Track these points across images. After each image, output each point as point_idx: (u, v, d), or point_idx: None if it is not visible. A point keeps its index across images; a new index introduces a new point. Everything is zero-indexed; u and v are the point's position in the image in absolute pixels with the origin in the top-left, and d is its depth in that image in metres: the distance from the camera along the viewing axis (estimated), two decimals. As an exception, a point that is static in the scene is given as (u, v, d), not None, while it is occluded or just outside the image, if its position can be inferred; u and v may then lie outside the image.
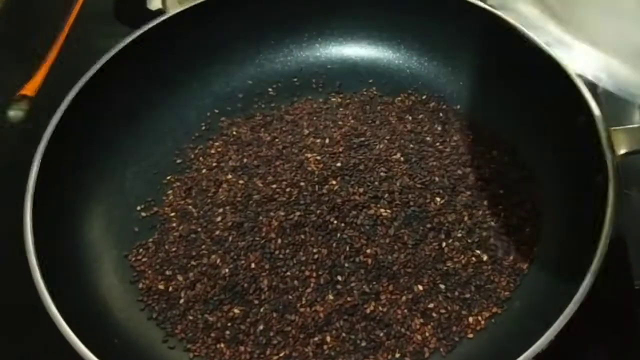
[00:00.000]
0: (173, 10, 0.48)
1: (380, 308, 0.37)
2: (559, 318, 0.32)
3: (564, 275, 0.35)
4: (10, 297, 0.42)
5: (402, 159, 0.41)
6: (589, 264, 0.33)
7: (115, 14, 0.60)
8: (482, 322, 0.36)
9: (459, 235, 0.39)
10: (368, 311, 0.36)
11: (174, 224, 0.42)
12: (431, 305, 0.37)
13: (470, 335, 0.36)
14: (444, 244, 0.38)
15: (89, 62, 0.45)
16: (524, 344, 0.32)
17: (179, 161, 0.46)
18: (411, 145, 0.42)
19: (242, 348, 0.36)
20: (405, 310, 0.37)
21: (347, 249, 0.38)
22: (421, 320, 0.36)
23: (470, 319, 0.36)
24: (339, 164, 0.41)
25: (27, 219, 0.37)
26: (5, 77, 0.58)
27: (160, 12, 0.56)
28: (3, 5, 0.62)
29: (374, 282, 0.37)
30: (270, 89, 0.49)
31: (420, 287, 0.37)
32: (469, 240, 0.39)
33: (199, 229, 0.41)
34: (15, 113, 0.54)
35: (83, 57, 0.56)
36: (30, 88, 0.54)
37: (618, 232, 0.34)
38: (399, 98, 0.47)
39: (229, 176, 0.43)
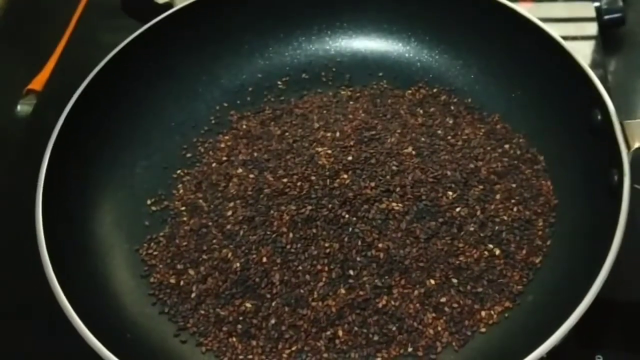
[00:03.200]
0: (180, 3, 0.48)
1: (393, 302, 0.36)
2: (573, 313, 0.31)
3: (577, 270, 0.35)
4: (22, 293, 0.42)
5: (413, 152, 0.41)
6: (603, 258, 0.33)
7: (122, 7, 0.60)
8: (495, 316, 0.36)
9: (472, 229, 0.38)
10: (380, 305, 0.36)
11: (185, 218, 0.42)
12: (443, 300, 0.37)
13: (483, 330, 0.36)
14: (456, 239, 0.38)
15: (96, 56, 0.45)
16: (537, 339, 0.31)
17: (188, 155, 0.46)
18: (422, 139, 0.42)
19: (254, 342, 0.36)
20: (418, 305, 0.36)
21: (359, 243, 0.38)
22: (433, 315, 0.36)
23: (483, 314, 0.36)
24: (350, 158, 0.40)
25: (38, 215, 0.37)
26: (13, 72, 0.58)
27: (167, 5, 0.56)
28: (10, 0, 0.62)
29: (386, 277, 0.37)
30: (279, 83, 0.49)
31: (433, 282, 0.37)
32: (482, 235, 0.38)
33: (210, 223, 0.40)
34: (23, 107, 0.54)
35: (90, 51, 0.56)
36: (37, 82, 0.55)
37: (629, 228, 0.34)
38: (410, 91, 0.47)
39: (239, 170, 0.43)
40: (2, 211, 0.47)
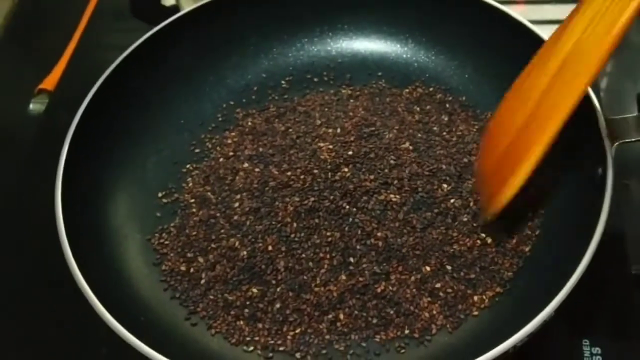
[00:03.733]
0: (187, 6, 0.50)
1: (390, 287, 0.38)
2: (557, 296, 0.33)
3: (563, 257, 0.37)
4: (46, 282, 0.44)
5: (410, 147, 0.43)
6: (586, 246, 0.34)
7: (131, 10, 0.61)
8: (487, 300, 0.38)
9: (465, 219, 0.40)
10: (379, 290, 0.38)
11: (194, 210, 0.43)
12: (438, 285, 0.39)
13: (475, 313, 0.38)
14: (450, 228, 0.40)
15: (106, 56, 0.47)
16: (525, 320, 0.33)
17: (197, 151, 0.47)
18: (419, 135, 0.44)
19: (260, 325, 0.38)
20: (414, 290, 0.38)
21: (359, 232, 0.40)
22: (429, 299, 0.38)
23: (475, 298, 0.38)
24: (350, 153, 0.42)
25: (58, 208, 0.39)
26: (25, 72, 0.60)
27: (174, 8, 0.58)
28: (21, 0, 0.64)
29: (384, 264, 0.39)
30: (283, 82, 0.51)
31: (428, 268, 0.39)
32: (474, 225, 0.40)
33: (218, 214, 0.42)
34: (35, 106, 0.55)
35: (100, 52, 0.58)
36: (49, 82, 0.56)
37: (616, 220, 0.36)
38: (407, 90, 0.48)
39: (245, 164, 0.45)
40: (16, 207, 0.49)
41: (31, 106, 0.56)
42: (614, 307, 0.41)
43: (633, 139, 0.38)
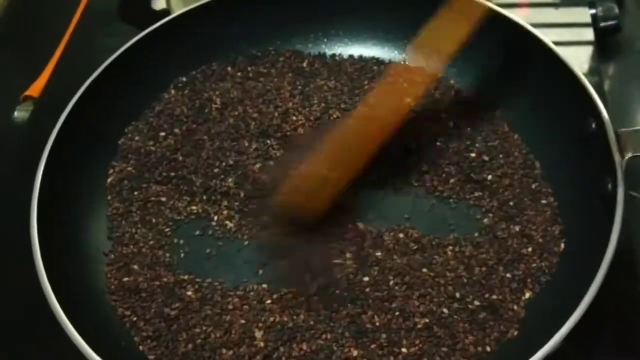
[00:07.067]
0: (178, 10, 0.49)
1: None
2: (568, 321, 0.32)
3: (573, 278, 0.35)
4: (20, 307, 0.42)
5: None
6: (597, 267, 0.33)
7: (119, 14, 0.60)
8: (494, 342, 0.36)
9: None
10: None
11: None
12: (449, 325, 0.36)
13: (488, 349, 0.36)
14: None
15: (93, 62, 0.46)
16: (534, 347, 0.32)
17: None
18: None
19: None
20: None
21: None
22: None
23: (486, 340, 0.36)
24: None
25: (33, 224, 0.37)
26: (10, 78, 0.58)
27: (164, 12, 0.56)
28: (7, 5, 0.62)
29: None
30: (275, 89, 0.49)
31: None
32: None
33: None
34: (20, 114, 0.54)
35: (87, 58, 0.56)
36: (35, 89, 0.54)
37: (624, 235, 0.34)
38: (407, 98, 0.47)
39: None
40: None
41: (16, 113, 0.54)
42: (622, 327, 0.40)
43: (644, 153, 0.36)
